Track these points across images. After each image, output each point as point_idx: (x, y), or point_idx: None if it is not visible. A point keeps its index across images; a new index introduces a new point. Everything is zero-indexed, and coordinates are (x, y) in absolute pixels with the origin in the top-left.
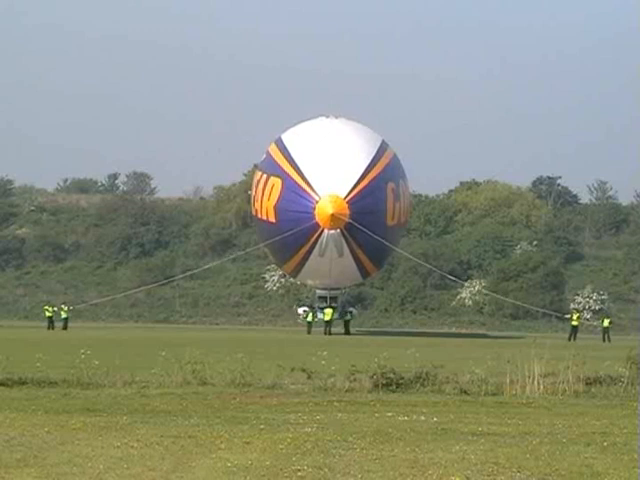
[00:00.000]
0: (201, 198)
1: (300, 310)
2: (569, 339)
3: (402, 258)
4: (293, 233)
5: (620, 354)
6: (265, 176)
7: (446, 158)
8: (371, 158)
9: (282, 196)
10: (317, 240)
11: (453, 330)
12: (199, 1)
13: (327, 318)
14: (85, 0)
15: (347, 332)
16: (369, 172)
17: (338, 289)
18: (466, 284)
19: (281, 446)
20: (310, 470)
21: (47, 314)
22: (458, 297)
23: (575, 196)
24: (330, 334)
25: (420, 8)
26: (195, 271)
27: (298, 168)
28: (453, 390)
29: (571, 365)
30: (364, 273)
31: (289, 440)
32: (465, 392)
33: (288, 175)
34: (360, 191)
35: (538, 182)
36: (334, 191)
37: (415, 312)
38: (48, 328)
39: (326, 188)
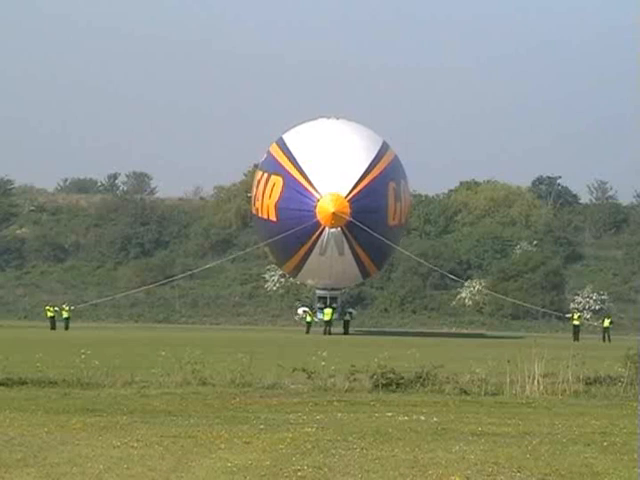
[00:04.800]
0: (201, 198)
1: (300, 310)
2: (574, 339)
3: (402, 258)
4: (294, 231)
5: (620, 354)
6: (266, 175)
7: (446, 158)
8: (372, 158)
9: (283, 194)
10: (318, 238)
11: (453, 330)
12: (199, 4)
13: (327, 318)
14: None
15: (346, 332)
16: (370, 171)
17: (338, 289)
18: (466, 284)
19: (281, 446)
20: (310, 470)
21: (49, 314)
22: (458, 297)
23: (575, 196)
24: (330, 334)
25: (420, 4)
26: (195, 271)
27: (299, 166)
28: (453, 390)
29: (571, 365)
30: (364, 273)
31: (289, 440)
32: (465, 392)
33: (289, 173)
34: (361, 190)
35: (538, 182)
36: (335, 189)
37: (415, 312)
38: (51, 328)
39: (327, 186)
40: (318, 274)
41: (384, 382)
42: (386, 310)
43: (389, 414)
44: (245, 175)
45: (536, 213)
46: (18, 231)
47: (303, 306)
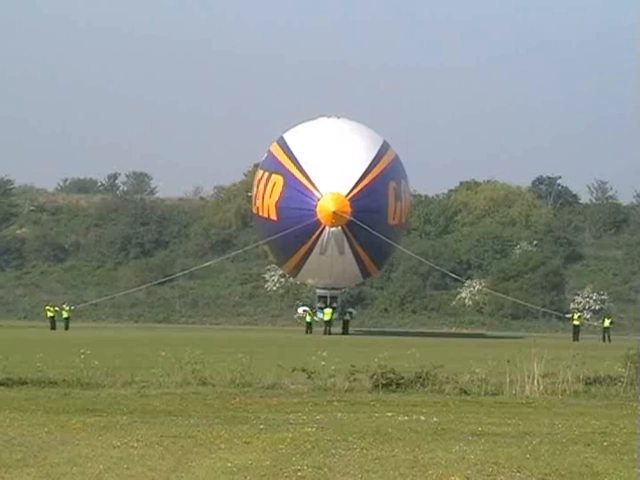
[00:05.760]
0: (201, 198)
1: (300, 310)
2: (574, 339)
3: (402, 258)
4: (294, 230)
5: (620, 354)
6: (267, 174)
7: (446, 158)
8: (373, 157)
9: (284, 193)
10: (318, 238)
11: (453, 330)
12: (198, 4)
13: (327, 318)
14: None
15: (345, 332)
16: (371, 171)
17: (338, 289)
18: (466, 284)
19: (281, 446)
20: (310, 470)
21: (49, 314)
22: (458, 297)
23: (575, 196)
24: (330, 334)
25: (420, 4)
26: (194, 269)
27: (300, 166)
28: (453, 390)
29: (571, 365)
30: (365, 273)
31: (289, 440)
32: (465, 392)
33: (290, 172)
34: (362, 189)
35: (538, 182)
36: (336, 189)
37: (415, 312)
38: (51, 328)
39: (328, 185)
40: (318, 273)
41: (384, 382)
42: (386, 310)
43: (389, 414)
44: (245, 175)
45: (536, 213)
46: (18, 231)
47: (303, 306)
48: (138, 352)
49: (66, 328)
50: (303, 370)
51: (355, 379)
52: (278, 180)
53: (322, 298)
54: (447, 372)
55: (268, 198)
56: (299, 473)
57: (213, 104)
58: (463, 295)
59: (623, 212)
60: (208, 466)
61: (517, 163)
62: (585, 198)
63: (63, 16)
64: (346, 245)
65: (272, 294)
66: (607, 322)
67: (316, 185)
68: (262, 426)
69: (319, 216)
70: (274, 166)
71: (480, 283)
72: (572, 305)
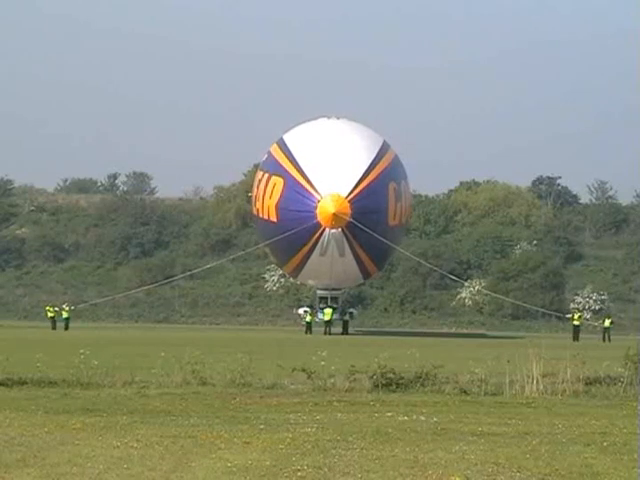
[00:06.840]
0: (201, 198)
1: (300, 310)
2: (574, 339)
3: (402, 258)
4: (294, 232)
5: (620, 354)
6: (267, 175)
7: (446, 158)
8: (373, 158)
9: (284, 195)
10: (318, 239)
11: (453, 330)
12: (198, 4)
13: (327, 318)
14: None
15: (345, 332)
16: (371, 171)
17: (339, 289)
18: (466, 284)
19: (281, 446)
20: (310, 470)
21: (49, 314)
22: (458, 297)
23: (575, 196)
24: (330, 334)
25: (420, 4)
26: (195, 271)
27: (300, 167)
28: (453, 390)
29: (571, 365)
30: (365, 273)
31: (289, 440)
32: (465, 392)
33: (290, 174)
34: (362, 190)
35: (538, 182)
36: (336, 190)
37: (415, 312)
38: (52, 328)
39: (328, 187)
40: (319, 275)
41: (384, 382)
42: (386, 310)
43: (389, 414)
44: (245, 175)
45: (536, 213)
46: (18, 231)
47: (303, 306)
48: (138, 352)
49: (66, 328)
50: (303, 370)
51: (355, 379)
52: (278, 182)
53: (323, 299)
54: (447, 372)
55: (268, 199)
56: (299, 473)
57: (213, 104)
58: (463, 295)
59: (623, 212)
60: (208, 466)
61: (517, 163)
62: (585, 198)
63: (63, 16)
64: (346, 246)
65: (272, 294)
66: (607, 322)
67: (316, 187)
68: (262, 426)
69: (319, 218)
70: (274, 168)
71: (480, 283)
72: (572, 305)
